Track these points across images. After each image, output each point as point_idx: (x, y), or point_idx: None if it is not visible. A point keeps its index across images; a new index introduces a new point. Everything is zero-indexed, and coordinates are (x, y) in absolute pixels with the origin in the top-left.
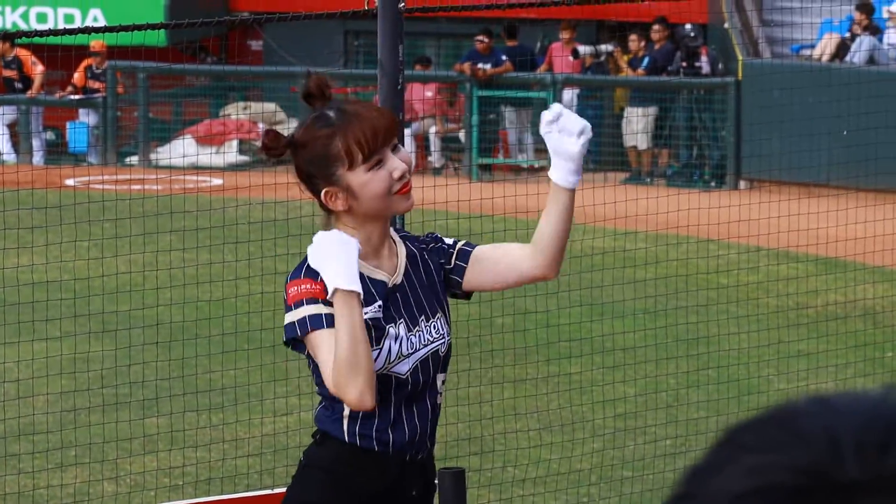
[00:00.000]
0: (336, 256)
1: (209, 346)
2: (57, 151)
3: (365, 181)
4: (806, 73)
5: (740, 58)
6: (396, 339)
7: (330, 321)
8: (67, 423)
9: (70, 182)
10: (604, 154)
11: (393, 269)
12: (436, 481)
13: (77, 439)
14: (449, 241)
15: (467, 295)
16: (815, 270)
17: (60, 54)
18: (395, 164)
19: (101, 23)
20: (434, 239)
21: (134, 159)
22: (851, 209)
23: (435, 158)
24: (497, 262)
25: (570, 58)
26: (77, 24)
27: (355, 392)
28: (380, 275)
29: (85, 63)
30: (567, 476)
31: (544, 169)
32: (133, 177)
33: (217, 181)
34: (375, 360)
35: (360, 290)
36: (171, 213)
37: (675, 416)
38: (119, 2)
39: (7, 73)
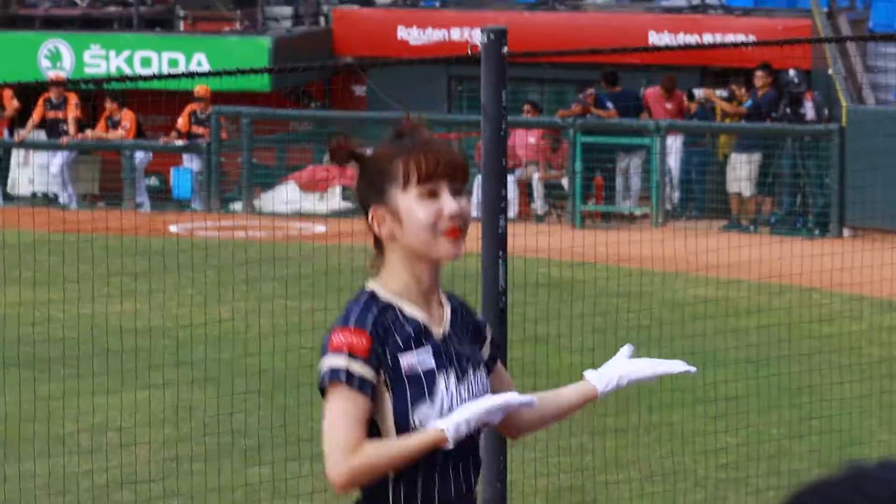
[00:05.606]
0: (474, 412)
1: (312, 394)
2: (161, 197)
3: (413, 207)
4: None
5: (844, 104)
6: (447, 391)
7: (358, 384)
8: (170, 471)
9: (174, 228)
10: (707, 201)
11: (440, 320)
12: None
13: (180, 488)
14: (482, 323)
15: None
16: None
17: (164, 99)
18: (450, 202)
19: (206, 67)
20: (467, 309)
21: (237, 205)
22: None
23: (538, 205)
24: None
25: (667, 105)
26: (181, 68)
27: (347, 478)
28: (432, 324)
29: (189, 108)
30: None
31: (647, 216)
32: (236, 223)
33: (320, 228)
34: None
35: (451, 445)
36: (274, 259)
37: (777, 466)
38: (223, 47)
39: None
